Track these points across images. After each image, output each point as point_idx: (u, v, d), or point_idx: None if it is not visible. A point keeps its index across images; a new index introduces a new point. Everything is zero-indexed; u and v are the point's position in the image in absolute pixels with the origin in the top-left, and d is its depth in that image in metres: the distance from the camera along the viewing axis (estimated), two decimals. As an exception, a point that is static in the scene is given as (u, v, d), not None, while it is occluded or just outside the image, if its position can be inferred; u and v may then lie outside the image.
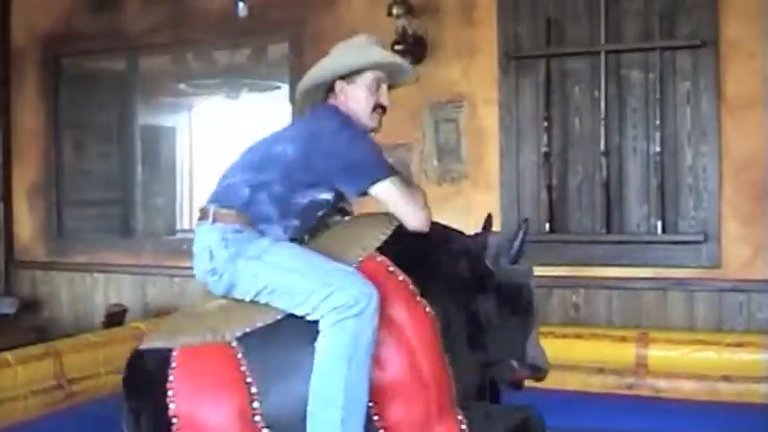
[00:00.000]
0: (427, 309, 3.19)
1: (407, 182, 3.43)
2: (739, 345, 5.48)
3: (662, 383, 5.62)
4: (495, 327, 3.40)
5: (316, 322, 3.10)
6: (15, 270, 8.21)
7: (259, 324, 3.19)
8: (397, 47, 6.24)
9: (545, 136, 6.11)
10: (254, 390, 3.06)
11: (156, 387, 3.11)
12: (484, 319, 3.38)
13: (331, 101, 3.55)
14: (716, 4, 5.76)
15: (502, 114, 6.31)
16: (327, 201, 3.41)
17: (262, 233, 3.31)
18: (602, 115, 5.95)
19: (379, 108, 3.54)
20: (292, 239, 3.37)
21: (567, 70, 6.16)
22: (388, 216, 3.40)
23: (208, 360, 3.13)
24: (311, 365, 3.05)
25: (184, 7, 7.45)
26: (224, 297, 3.34)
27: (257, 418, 3.04)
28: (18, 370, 5.24)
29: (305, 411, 3.02)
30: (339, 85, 3.51)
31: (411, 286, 3.21)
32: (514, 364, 3.50)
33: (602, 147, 5.95)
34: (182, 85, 8.77)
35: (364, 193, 3.33)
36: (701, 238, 5.78)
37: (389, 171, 3.31)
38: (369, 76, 3.51)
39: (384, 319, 3.10)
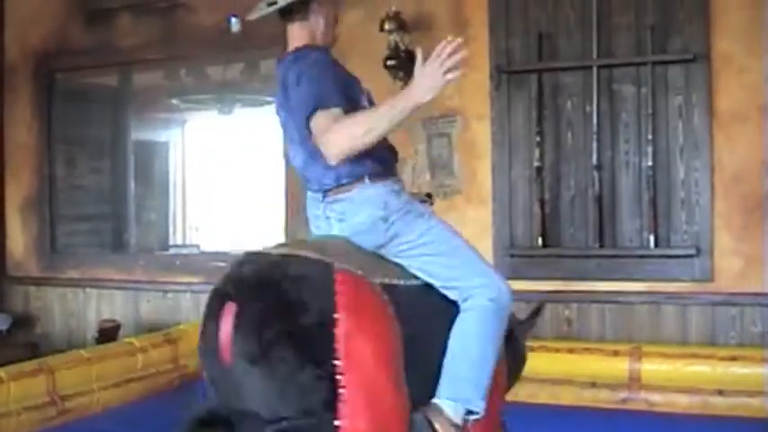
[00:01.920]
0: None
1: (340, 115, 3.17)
2: (733, 358, 5.49)
3: (655, 397, 5.62)
4: None
5: (445, 298, 3.29)
6: (8, 286, 8.19)
7: (402, 282, 3.25)
8: (390, 62, 6.26)
9: (537, 150, 6.12)
10: (400, 334, 3.03)
11: (321, 291, 2.92)
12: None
13: (294, 24, 3.50)
14: (707, 18, 5.79)
15: (494, 129, 6.32)
16: None
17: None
18: (595, 129, 5.97)
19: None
20: None
21: (559, 85, 6.18)
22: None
23: (368, 290, 3.04)
24: (443, 335, 3.24)
25: (177, 23, 7.46)
26: (360, 248, 3.29)
27: (399, 361, 3.02)
28: (10, 386, 5.22)
29: (434, 368, 3.20)
30: (316, 3, 3.46)
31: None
32: None
33: (594, 161, 5.96)
34: (175, 101, 8.78)
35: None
36: (693, 251, 5.79)
37: (321, 102, 3.15)
38: None
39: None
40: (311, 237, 3.47)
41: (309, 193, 3.45)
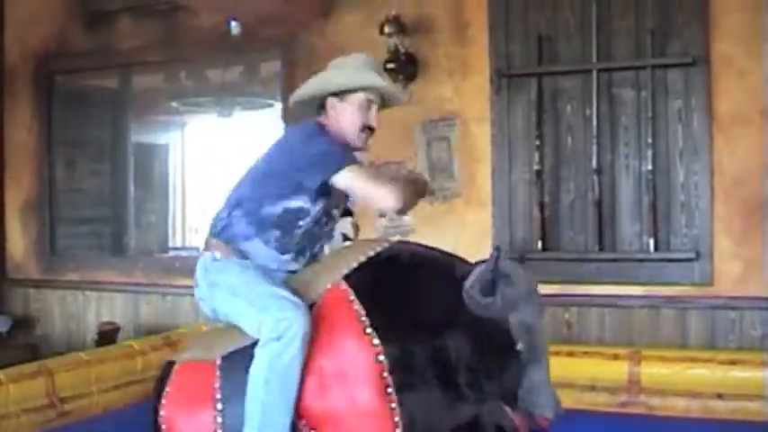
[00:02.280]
0: (374, 341, 3.08)
1: (369, 168, 3.47)
2: (732, 362, 5.49)
3: (655, 401, 5.62)
4: (472, 365, 3.14)
5: None
6: (8, 288, 8.20)
7: (238, 345, 3.30)
8: (390, 65, 6.27)
9: (537, 154, 6.12)
10: (219, 406, 3.21)
11: (157, 393, 3.41)
12: (454, 356, 3.12)
13: (321, 117, 3.57)
14: (707, 21, 5.79)
15: (494, 132, 6.32)
16: (301, 208, 3.40)
17: (243, 253, 3.43)
18: (594, 133, 5.97)
19: (367, 129, 3.54)
20: (283, 251, 3.45)
21: (558, 88, 6.18)
22: (372, 242, 3.43)
23: (194, 375, 3.34)
24: None
25: (177, 25, 7.46)
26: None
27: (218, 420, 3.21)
28: (10, 388, 5.22)
29: None
30: (331, 101, 3.52)
31: (363, 317, 3.14)
32: (507, 409, 3.25)
33: (593, 164, 5.97)
34: (174, 103, 8.76)
35: (328, 191, 3.37)
36: (693, 255, 5.79)
37: (349, 160, 3.32)
38: (360, 96, 3.51)
39: (329, 347, 3.14)
40: None
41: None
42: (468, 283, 3.13)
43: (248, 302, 3.26)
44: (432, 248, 3.44)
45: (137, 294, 7.59)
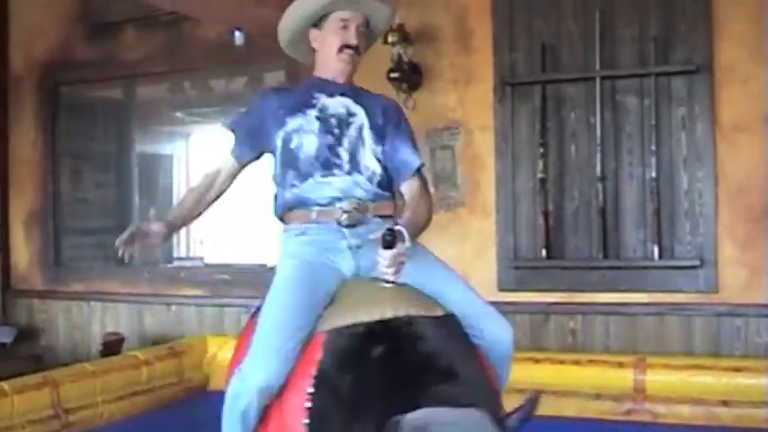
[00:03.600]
0: (306, 404, 2.91)
1: None
2: (737, 369, 5.48)
3: (660, 409, 5.61)
4: None
5: None
6: (12, 298, 8.20)
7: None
8: (393, 74, 6.28)
9: (541, 162, 6.12)
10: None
11: None
12: None
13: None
14: (710, 29, 5.80)
15: (498, 141, 6.32)
16: (293, 132, 3.41)
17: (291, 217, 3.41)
18: (598, 141, 5.97)
19: (347, 48, 3.43)
20: (306, 176, 3.36)
21: (562, 96, 6.18)
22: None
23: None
24: None
25: (181, 36, 7.48)
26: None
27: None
28: (14, 399, 5.21)
29: None
30: (313, 34, 3.48)
31: (314, 374, 2.97)
32: None
33: (597, 172, 5.97)
34: (179, 114, 8.79)
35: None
36: (697, 262, 5.79)
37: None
38: (333, 18, 3.42)
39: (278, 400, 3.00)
40: None
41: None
42: None
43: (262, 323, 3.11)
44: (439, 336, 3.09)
45: (141, 305, 7.59)
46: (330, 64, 3.46)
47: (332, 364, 2.94)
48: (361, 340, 2.95)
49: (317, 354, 2.98)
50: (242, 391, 2.96)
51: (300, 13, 3.46)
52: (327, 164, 3.32)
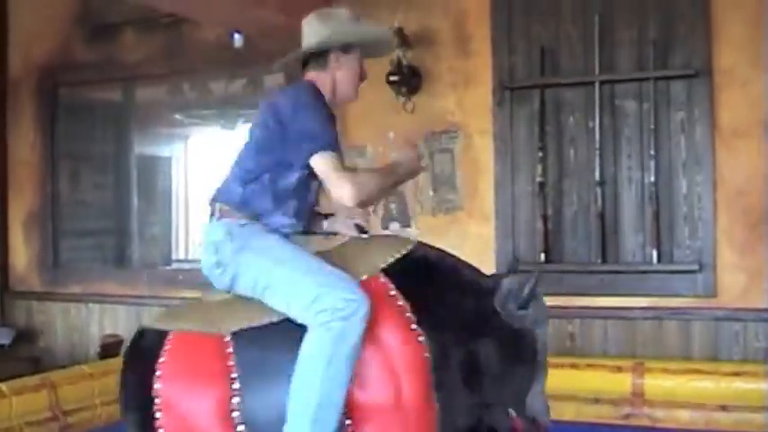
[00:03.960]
0: (420, 338, 3.11)
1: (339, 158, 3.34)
2: (736, 374, 5.48)
3: (659, 413, 5.61)
4: (496, 371, 3.27)
5: (306, 329, 3.10)
6: (11, 300, 8.19)
7: (255, 323, 3.23)
8: (393, 77, 6.28)
9: (540, 166, 6.12)
10: (236, 386, 3.10)
11: (145, 364, 3.25)
12: (483, 362, 3.24)
13: (312, 72, 3.56)
14: (709, 33, 5.80)
15: (497, 144, 6.33)
16: (310, 175, 3.39)
17: (266, 226, 3.38)
18: (597, 145, 5.97)
19: (362, 81, 3.63)
20: (299, 218, 3.47)
21: (561, 100, 6.19)
22: (403, 239, 3.49)
23: (198, 348, 3.22)
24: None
25: (180, 38, 7.48)
26: (227, 292, 3.41)
27: (235, 414, 3.08)
28: (13, 401, 5.22)
29: (282, 413, 3.03)
30: (335, 54, 3.52)
31: (408, 313, 3.14)
32: (512, 412, 3.38)
33: (596, 176, 5.97)
34: (178, 116, 8.79)
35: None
36: (696, 267, 5.79)
37: (330, 144, 3.29)
38: (357, 49, 3.56)
39: (373, 339, 3.08)
40: None
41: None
42: (501, 295, 3.33)
43: (298, 272, 3.16)
44: (451, 254, 3.52)
45: (140, 307, 7.57)
46: (348, 90, 3.58)
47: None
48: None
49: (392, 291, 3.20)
50: (348, 329, 3.00)
51: (343, 33, 3.55)
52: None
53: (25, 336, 7.98)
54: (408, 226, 6.41)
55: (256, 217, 3.37)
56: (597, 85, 5.99)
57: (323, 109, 3.37)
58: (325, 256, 3.35)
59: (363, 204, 3.28)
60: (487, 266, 6.16)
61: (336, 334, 2.99)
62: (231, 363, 3.13)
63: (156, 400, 3.16)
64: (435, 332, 3.15)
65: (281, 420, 3.02)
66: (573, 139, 6.16)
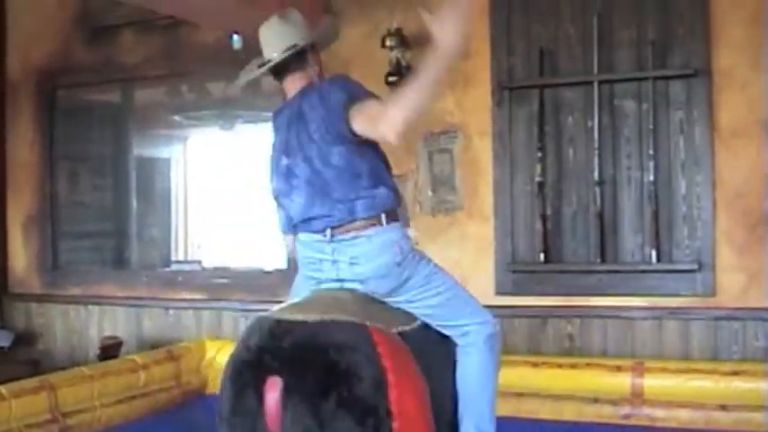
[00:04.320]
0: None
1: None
2: (735, 373, 5.48)
3: (658, 413, 5.61)
4: None
5: (445, 336, 3.49)
6: (10, 302, 8.19)
7: (407, 328, 3.36)
8: (391, 78, 6.28)
9: (539, 166, 6.12)
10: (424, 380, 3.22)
11: (368, 357, 3.01)
12: None
13: (292, 76, 3.62)
14: (708, 33, 5.80)
15: (496, 145, 6.33)
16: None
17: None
18: (596, 145, 5.98)
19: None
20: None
21: (560, 100, 6.19)
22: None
23: (399, 345, 3.19)
24: (447, 373, 3.44)
25: (179, 39, 7.48)
26: (367, 296, 3.40)
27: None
28: (12, 404, 5.20)
29: (445, 404, 3.37)
30: (312, 54, 3.62)
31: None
32: None
33: (595, 176, 5.97)
34: (176, 117, 8.80)
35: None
36: (695, 266, 5.79)
37: (361, 94, 3.32)
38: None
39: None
40: (307, 285, 3.56)
41: (306, 236, 3.48)
42: None
43: (466, 295, 3.57)
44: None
45: (139, 308, 7.59)
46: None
47: None
48: None
49: None
50: (499, 332, 3.59)
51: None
52: None
53: (24, 338, 7.98)
54: (407, 227, 6.39)
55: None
56: (596, 85, 6.00)
57: (335, 83, 3.44)
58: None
59: (413, 122, 3.05)
60: (487, 266, 6.22)
61: (497, 352, 3.56)
62: (411, 357, 3.20)
63: (392, 409, 2.97)
64: None
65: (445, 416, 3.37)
66: (572, 139, 6.16)
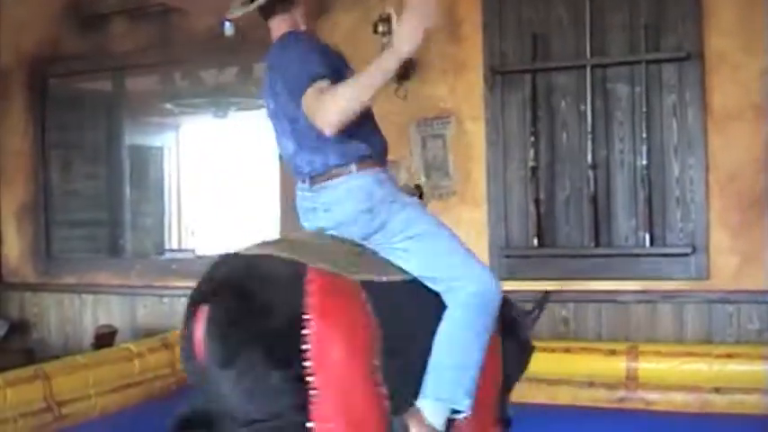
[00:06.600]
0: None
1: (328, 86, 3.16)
2: (729, 356, 5.49)
3: (653, 396, 5.63)
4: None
5: (435, 293, 3.23)
6: (4, 292, 8.18)
7: (384, 278, 3.19)
8: (384, 64, 6.26)
9: (532, 150, 6.12)
10: (378, 333, 3.01)
11: (291, 293, 2.94)
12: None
13: (277, 18, 3.49)
14: (700, 16, 5.80)
15: (489, 130, 6.32)
16: None
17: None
18: (589, 129, 5.97)
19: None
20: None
21: (553, 85, 6.18)
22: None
23: (341, 289, 3.03)
24: (429, 331, 3.16)
25: (171, 27, 7.46)
26: (351, 243, 3.29)
27: (376, 361, 3.00)
28: (7, 393, 5.21)
29: (418, 367, 3.14)
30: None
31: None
32: None
33: (589, 160, 5.97)
34: (169, 105, 8.77)
35: None
36: (689, 250, 5.80)
37: (309, 76, 3.13)
38: None
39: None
40: (299, 231, 3.47)
41: (299, 186, 3.42)
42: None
43: (453, 242, 3.33)
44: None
45: (133, 297, 7.58)
46: (313, 26, 3.57)
47: None
48: None
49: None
50: (495, 291, 3.27)
51: None
52: None
53: (19, 328, 7.98)
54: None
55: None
56: (589, 69, 5.99)
57: (310, 47, 3.29)
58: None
59: (343, 124, 3.02)
60: (481, 251, 6.21)
61: (486, 311, 3.24)
62: (369, 310, 3.03)
63: (306, 333, 2.87)
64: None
65: (415, 373, 3.14)
66: (565, 124, 6.16)
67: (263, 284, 2.96)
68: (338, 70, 3.24)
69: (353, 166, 3.27)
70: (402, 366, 3.06)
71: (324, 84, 3.08)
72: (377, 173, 3.31)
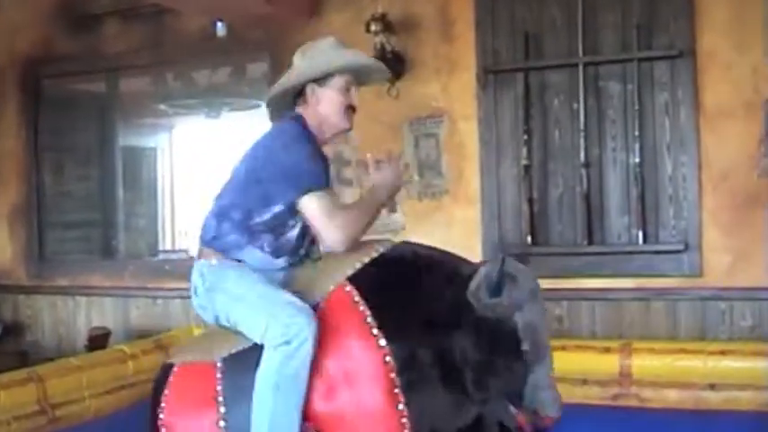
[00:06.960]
0: (381, 342, 3.11)
1: (336, 200, 3.47)
2: (723, 353, 5.49)
3: (647, 393, 5.62)
4: (475, 365, 3.20)
5: None
6: (-3, 294, 8.17)
7: (240, 347, 3.33)
8: (376, 63, 6.26)
9: (525, 149, 6.13)
10: (222, 409, 3.21)
11: (156, 397, 3.39)
12: (459, 357, 3.18)
13: (299, 108, 3.60)
14: (692, 14, 5.80)
15: (481, 128, 6.32)
16: (288, 212, 3.42)
17: (239, 261, 3.45)
18: (582, 127, 5.98)
19: (350, 109, 3.60)
20: (278, 255, 3.47)
21: (545, 83, 6.19)
22: (375, 243, 3.45)
23: (195, 377, 3.31)
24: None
25: (164, 28, 7.44)
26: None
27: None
28: (0, 395, 5.19)
29: None
30: (310, 88, 3.55)
31: (369, 318, 3.16)
32: (511, 408, 3.30)
33: (581, 158, 5.97)
34: (162, 106, 8.75)
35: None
36: (682, 247, 5.80)
37: (316, 183, 3.33)
38: (339, 79, 3.57)
39: (336, 349, 3.16)
40: None
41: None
42: (473, 284, 3.21)
43: (251, 307, 3.29)
44: (434, 248, 3.49)
45: (127, 298, 7.57)
46: (335, 121, 3.59)
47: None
48: None
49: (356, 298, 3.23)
50: (291, 352, 3.09)
51: (313, 68, 3.58)
52: (294, 250, 3.58)
53: (12, 330, 7.95)
54: (394, 211, 6.38)
55: (228, 251, 3.46)
56: (581, 67, 5.99)
57: (307, 145, 3.41)
58: (297, 275, 3.48)
59: (351, 243, 3.32)
60: (474, 250, 6.21)
61: (281, 359, 3.10)
62: (218, 387, 3.24)
63: (163, 431, 3.32)
64: (400, 333, 3.14)
65: None
66: (557, 122, 6.16)
67: (153, 390, 3.49)
68: (328, 175, 3.48)
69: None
70: (245, 425, 3.19)
71: (332, 193, 3.42)
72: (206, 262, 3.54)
